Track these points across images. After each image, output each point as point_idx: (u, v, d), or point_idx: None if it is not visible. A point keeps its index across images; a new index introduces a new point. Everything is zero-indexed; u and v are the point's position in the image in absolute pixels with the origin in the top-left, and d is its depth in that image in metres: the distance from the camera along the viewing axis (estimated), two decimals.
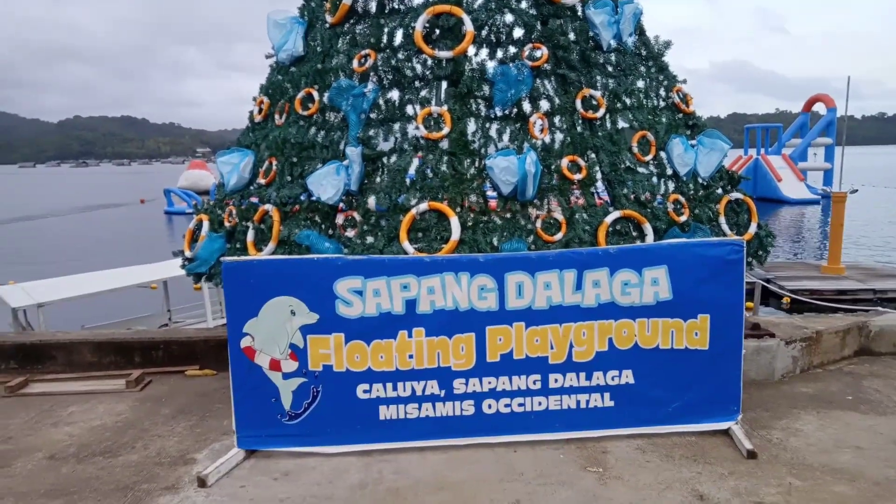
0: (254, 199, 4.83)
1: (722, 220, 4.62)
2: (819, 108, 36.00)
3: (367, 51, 4.50)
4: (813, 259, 17.89)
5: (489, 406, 3.93)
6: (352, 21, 4.74)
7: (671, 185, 4.62)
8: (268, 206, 4.48)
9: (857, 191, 16.74)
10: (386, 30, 4.54)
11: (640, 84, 4.74)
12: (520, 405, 3.94)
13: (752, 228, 4.69)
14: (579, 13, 4.58)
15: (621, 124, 4.56)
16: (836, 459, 3.68)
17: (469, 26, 4.31)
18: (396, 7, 4.64)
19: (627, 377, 3.97)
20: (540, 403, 3.95)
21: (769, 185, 33.92)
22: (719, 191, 4.79)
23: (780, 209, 31.73)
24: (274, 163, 4.67)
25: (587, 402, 3.97)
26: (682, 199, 4.48)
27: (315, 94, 4.63)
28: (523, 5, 4.54)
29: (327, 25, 4.78)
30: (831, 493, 3.33)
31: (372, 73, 4.51)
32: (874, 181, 47.72)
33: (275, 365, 3.88)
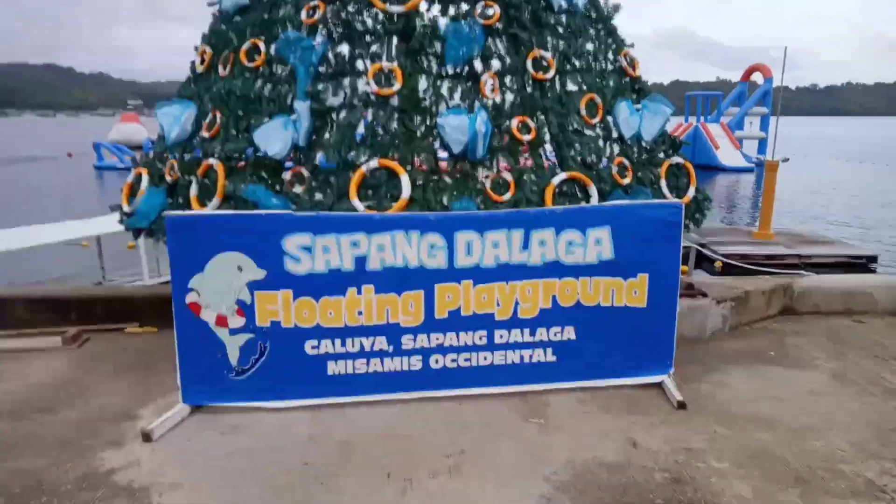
0: (196, 153, 4.69)
1: (663, 183, 4.78)
2: (757, 77, 37.16)
3: (317, 2, 4.38)
4: (745, 225, 18.72)
5: (436, 361, 4.03)
6: None
7: (616, 149, 4.73)
8: (212, 161, 4.36)
9: (788, 160, 17.48)
10: None
11: (590, 46, 4.80)
12: (466, 360, 4.05)
13: (691, 192, 4.88)
14: None
15: (570, 87, 4.62)
16: (758, 409, 3.96)
17: None
18: None
19: (569, 333, 4.13)
20: (486, 358, 4.07)
21: (707, 152, 35.02)
22: (661, 155, 4.93)
23: (716, 176, 32.88)
24: (218, 116, 4.52)
25: (531, 357, 4.11)
26: (626, 162, 4.61)
27: (261, 46, 4.49)
28: None
29: None
30: (752, 439, 3.59)
31: (321, 26, 4.40)
32: (806, 151, 49.91)
33: (221, 321, 3.84)
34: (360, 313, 3.90)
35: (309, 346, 3.91)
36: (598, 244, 4.04)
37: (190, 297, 3.80)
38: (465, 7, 4.45)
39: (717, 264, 12.60)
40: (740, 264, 12.24)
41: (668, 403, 4.00)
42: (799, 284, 5.80)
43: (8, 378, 4.50)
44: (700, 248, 13.73)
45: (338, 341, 3.92)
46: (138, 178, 4.84)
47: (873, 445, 3.52)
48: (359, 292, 3.87)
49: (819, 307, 5.79)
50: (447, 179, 4.21)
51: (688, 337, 5.01)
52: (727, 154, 34.68)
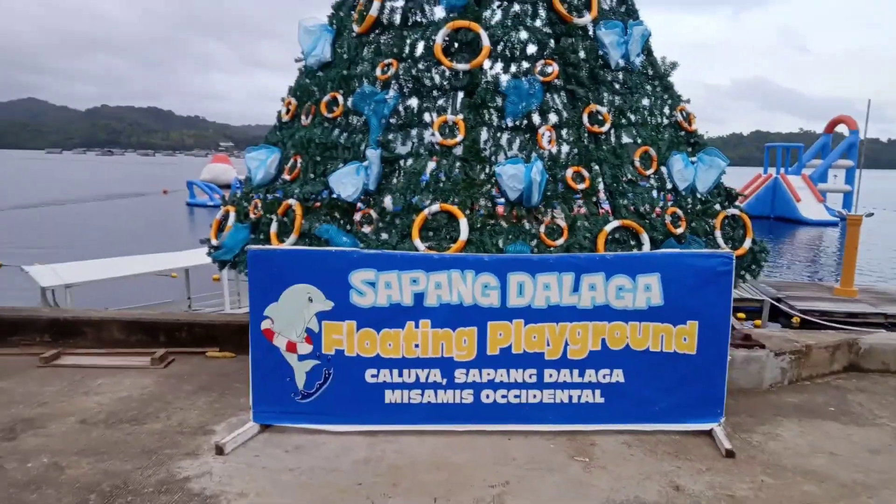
0: (278, 194, 5.17)
1: (717, 233, 4.87)
2: (842, 129, 35.85)
3: (390, 60, 4.82)
4: (828, 281, 17.93)
5: (487, 396, 4.22)
6: (377, 31, 5.07)
7: (670, 199, 4.87)
8: (291, 201, 4.82)
9: (872, 214, 16.76)
10: (408, 41, 4.87)
11: (645, 102, 5.01)
12: (516, 397, 4.23)
13: (747, 243, 4.94)
14: (590, 33, 4.86)
15: (625, 139, 4.84)
16: (809, 462, 3.92)
17: (486, 41, 4.61)
18: (419, 20, 4.97)
19: (618, 376, 4.24)
20: (535, 396, 4.23)
21: (787, 204, 33.84)
22: (717, 206, 5.03)
23: (797, 229, 31.63)
24: (299, 160, 5.00)
25: (579, 397, 4.24)
26: (679, 212, 4.74)
27: (340, 98, 4.96)
28: (537, 23, 4.84)
29: (354, 34, 5.11)
30: (799, 492, 3.57)
31: (393, 81, 4.83)
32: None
33: (291, 347, 4.20)
34: (416, 346, 4.17)
35: (369, 375, 4.20)
36: (648, 290, 4.17)
37: (265, 324, 4.19)
38: (525, 65, 4.79)
39: (795, 319, 12.14)
40: (820, 321, 11.75)
41: (716, 451, 4.02)
42: (866, 340, 5.65)
43: (103, 391, 5.01)
44: (775, 303, 13.30)
45: (395, 371, 4.20)
46: (226, 215, 5.38)
47: None
48: (416, 326, 4.16)
49: (889, 366, 5.59)
50: (503, 224, 4.48)
51: (744, 387, 4.98)
52: (809, 207, 33.36)
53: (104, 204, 40.79)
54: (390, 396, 4.22)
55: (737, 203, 5.09)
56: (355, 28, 5.09)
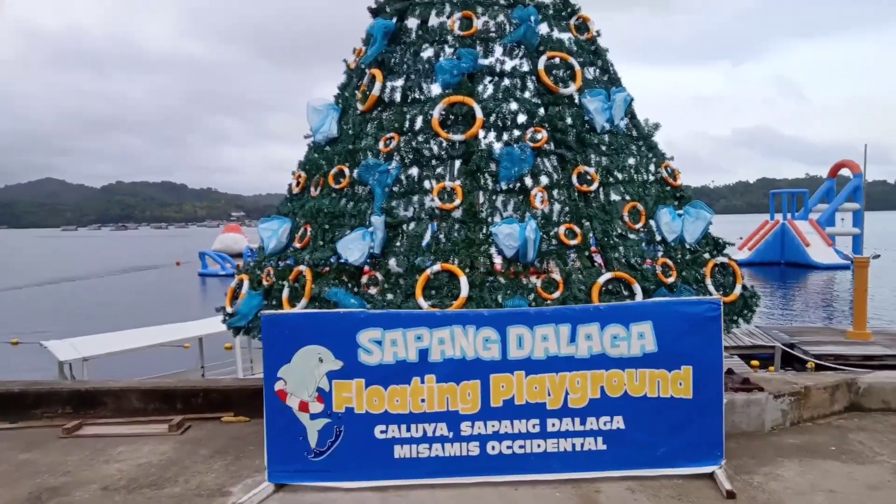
0: (289, 261, 5.48)
1: (708, 281, 5.09)
2: (847, 172, 36.25)
3: (392, 134, 5.21)
4: (842, 324, 17.86)
5: (493, 447, 4.37)
6: (379, 108, 5.50)
7: (660, 252, 5.13)
8: (302, 267, 5.12)
9: (879, 256, 16.85)
10: (408, 116, 5.28)
11: (631, 161, 5.35)
12: (520, 447, 4.37)
13: (737, 290, 5.15)
14: (576, 101, 5.25)
15: (614, 196, 5.14)
16: (809, 500, 4.01)
17: (479, 114, 4.99)
18: (417, 97, 5.40)
19: (618, 423, 4.39)
20: (539, 445, 4.37)
21: (797, 250, 33.92)
22: (706, 255, 5.28)
23: (808, 274, 31.60)
24: (308, 229, 5.33)
25: (582, 445, 4.38)
26: (669, 262, 4.99)
27: (346, 171, 5.33)
28: (526, 95, 5.25)
29: (358, 112, 5.53)
30: None
31: (395, 153, 5.20)
32: None
33: (303, 406, 4.40)
34: (423, 401, 4.36)
35: (378, 431, 4.38)
36: (642, 338, 4.37)
37: (278, 385, 4.41)
38: (516, 133, 5.16)
39: (810, 365, 12.11)
40: (835, 365, 11.70)
41: (717, 493, 4.12)
42: (864, 380, 5.75)
43: (122, 459, 5.19)
44: (787, 349, 13.29)
45: (403, 427, 4.37)
46: (240, 283, 5.68)
47: None
48: (422, 381, 4.36)
49: (889, 404, 5.68)
50: (501, 280, 4.74)
51: (746, 431, 5.09)
52: (819, 251, 33.41)
53: (118, 278, 41.50)
54: (399, 451, 4.38)
55: (725, 251, 5.33)
56: (359, 106, 5.51)
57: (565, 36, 5.44)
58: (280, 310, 4.96)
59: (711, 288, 5.05)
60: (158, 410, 6.32)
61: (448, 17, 5.30)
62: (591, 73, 5.51)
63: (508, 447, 4.37)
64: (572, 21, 5.54)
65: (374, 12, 5.75)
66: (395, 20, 5.55)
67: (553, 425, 4.38)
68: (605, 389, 4.38)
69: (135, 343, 10.60)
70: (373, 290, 4.86)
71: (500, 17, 5.29)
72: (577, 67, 5.24)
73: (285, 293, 5.12)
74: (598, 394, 4.38)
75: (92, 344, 10.13)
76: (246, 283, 5.59)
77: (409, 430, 4.38)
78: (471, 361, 4.35)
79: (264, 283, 5.43)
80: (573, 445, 4.38)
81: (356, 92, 5.61)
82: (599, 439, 4.38)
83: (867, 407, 5.69)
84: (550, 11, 5.47)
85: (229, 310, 5.62)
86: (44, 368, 11.22)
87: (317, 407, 4.40)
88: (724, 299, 4.72)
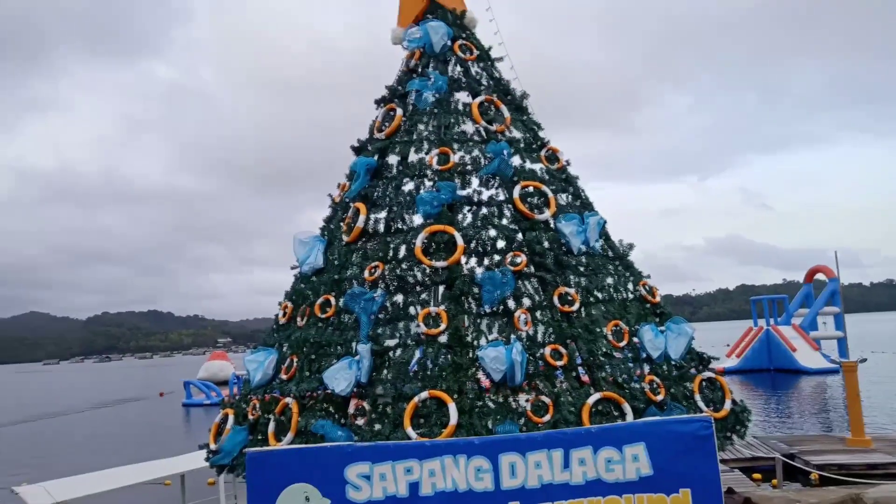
0: (275, 393, 5.42)
1: (697, 397, 5.09)
2: (822, 276, 36.98)
3: (377, 263, 5.37)
4: (840, 430, 17.50)
5: None
6: (364, 239, 5.71)
7: (647, 368, 5.16)
8: (288, 400, 5.06)
9: (865, 360, 16.84)
10: (392, 246, 5.47)
11: (609, 280, 5.51)
12: None
13: (727, 405, 5.14)
14: (552, 225, 5.49)
15: (595, 315, 5.24)
16: None
17: (460, 241, 5.19)
18: (400, 227, 5.63)
19: None
20: None
21: (784, 355, 33.85)
22: (693, 371, 5.31)
23: (799, 380, 31.30)
24: (295, 360, 5.33)
25: None
26: (657, 379, 5.01)
27: (332, 300, 5.42)
28: (504, 222, 5.49)
29: (343, 243, 5.73)
30: None
31: (380, 281, 5.33)
32: (887, 347, 47.04)
33: None
34: None
35: None
36: (636, 460, 4.28)
37: None
38: (497, 258, 5.34)
39: (814, 476, 11.75)
40: (839, 476, 11.36)
41: None
42: (870, 495, 5.61)
43: None
44: (787, 460, 12.93)
45: None
46: (225, 417, 5.56)
47: None
48: None
49: None
50: (490, 405, 4.71)
51: None
52: (806, 356, 33.34)
53: (99, 412, 40.06)
54: None
55: (710, 366, 5.37)
56: (345, 238, 5.71)
57: (537, 166, 5.79)
58: (266, 445, 4.85)
59: (701, 404, 5.04)
60: None
61: (427, 154, 5.66)
62: (564, 199, 5.81)
63: None
64: (543, 153, 5.92)
65: (357, 150, 6.12)
66: (376, 157, 5.91)
67: None
68: None
69: (113, 483, 10.07)
70: (360, 421, 4.80)
71: (476, 152, 5.65)
72: (551, 194, 5.54)
73: (271, 427, 5.03)
74: None
75: (68, 487, 9.62)
76: (231, 418, 5.49)
77: None
78: (463, 494, 4.21)
79: (250, 416, 5.34)
80: None
81: (341, 224, 5.84)
82: None
83: None
84: (522, 145, 5.87)
85: (213, 447, 5.47)
86: None
87: None
88: (715, 415, 4.70)
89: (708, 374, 5.27)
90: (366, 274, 5.36)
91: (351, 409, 4.97)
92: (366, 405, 4.87)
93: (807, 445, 13.69)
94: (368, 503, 4.20)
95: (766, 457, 13.27)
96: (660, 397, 4.91)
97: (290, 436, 4.83)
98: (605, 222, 5.65)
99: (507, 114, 5.87)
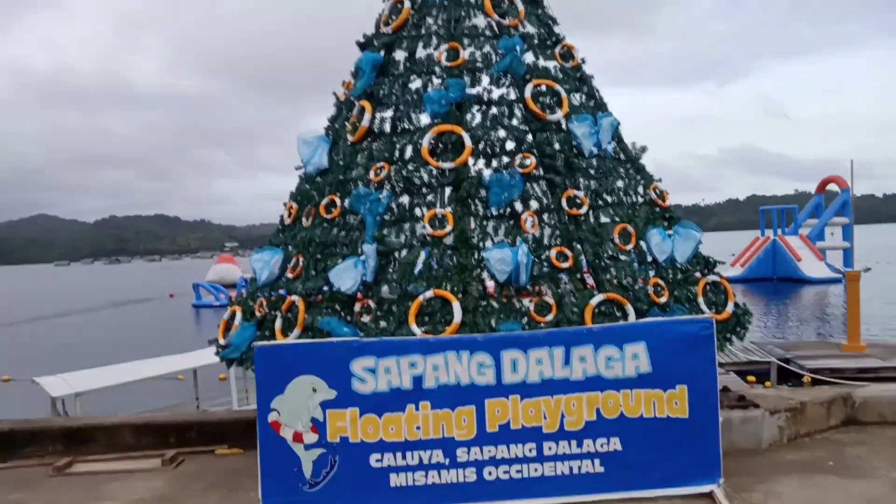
0: (281, 291, 5.48)
1: (700, 300, 5.12)
2: (834, 187, 36.59)
3: (382, 163, 5.26)
4: (837, 338, 17.88)
5: (489, 473, 4.35)
6: (369, 139, 5.56)
7: (651, 272, 5.17)
8: (294, 297, 5.12)
9: (869, 269, 16.95)
10: (398, 146, 5.34)
11: (620, 184, 5.41)
12: (518, 471, 4.35)
13: (730, 307, 5.18)
14: (563, 126, 5.32)
15: (603, 219, 5.19)
16: None
17: (468, 142, 5.06)
18: (406, 127, 5.47)
19: (615, 444, 4.38)
20: (536, 469, 4.35)
21: (789, 265, 34.07)
22: (698, 274, 5.31)
23: (801, 289, 31.69)
24: (301, 259, 5.35)
25: (579, 468, 4.36)
26: (661, 282, 5.02)
27: (337, 201, 5.36)
28: (514, 122, 5.33)
29: (349, 143, 5.59)
30: None
31: (386, 182, 5.25)
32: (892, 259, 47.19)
33: (297, 437, 4.38)
34: (418, 428, 4.34)
35: (373, 460, 4.35)
36: (636, 358, 4.38)
37: (272, 416, 4.39)
38: (505, 159, 5.22)
39: (806, 379, 12.10)
40: (831, 379, 11.69)
41: None
42: (859, 394, 5.77)
43: (115, 496, 5.12)
44: (783, 364, 13.27)
45: (399, 455, 4.35)
46: (233, 315, 5.67)
47: None
48: (416, 409, 4.34)
49: (885, 417, 5.68)
50: (494, 304, 4.76)
51: (744, 448, 5.08)
52: (811, 266, 33.57)
53: (112, 311, 41.20)
54: (395, 480, 4.34)
55: (716, 270, 5.37)
56: (349, 137, 5.57)
57: (551, 64, 5.54)
58: (273, 340, 4.96)
59: (704, 306, 5.07)
60: (152, 445, 6.25)
61: (435, 49, 5.40)
62: (577, 99, 5.60)
63: (505, 472, 4.35)
64: (557, 49, 5.65)
65: (363, 45, 5.85)
66: (382, 53, 5.65)
67: (550, 449, 4.36)
68: (601, 411, 4.38)
69: (128, 377, 10.49)
70: (366, 319, 4.87)
71: (487, 48, 5.39)
72: (564, 94, 5.33)
73: (278, 323, 5.12)
74: (594, 416, 4.38)
75: (85, 379, 10.03)
76: (238, 315, 5.58)
77: (404, 458, 4.35)
78: (465, 387, 4.35)
79: (257, 314, 5.43)
80: (570, 468, 4.36)
81: (346, 123, 5.68)
82: (597, 461, 4.37)
83: (864, 420, 5.70)
84: (535, 41, 5.58)
85: (222, 342, 5.60)
86: (36, 405, 11.09)
87: (311, 437, 4.37)
88: (717, 317, 4.74)
89: (713, 277, 5.28)
90: (371, 175, 5.27)
91: (356, 308, 5.03)
92: (371, 303, 4.93)
93: (802, 351, 14.00)
94: (374, 394, 4.34)
95: (761, 360, 13.61)
96: (663, 299, 4.94)
97: (296, 331, 4.92)
98: (618, 124, 5.48)
99: (520, 6, 5.54)
